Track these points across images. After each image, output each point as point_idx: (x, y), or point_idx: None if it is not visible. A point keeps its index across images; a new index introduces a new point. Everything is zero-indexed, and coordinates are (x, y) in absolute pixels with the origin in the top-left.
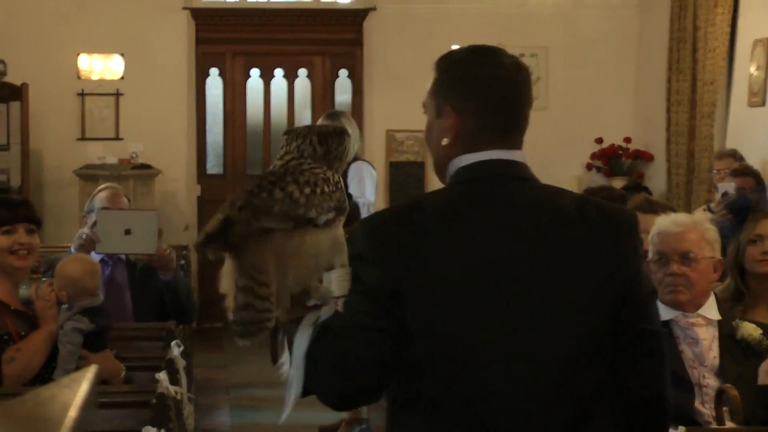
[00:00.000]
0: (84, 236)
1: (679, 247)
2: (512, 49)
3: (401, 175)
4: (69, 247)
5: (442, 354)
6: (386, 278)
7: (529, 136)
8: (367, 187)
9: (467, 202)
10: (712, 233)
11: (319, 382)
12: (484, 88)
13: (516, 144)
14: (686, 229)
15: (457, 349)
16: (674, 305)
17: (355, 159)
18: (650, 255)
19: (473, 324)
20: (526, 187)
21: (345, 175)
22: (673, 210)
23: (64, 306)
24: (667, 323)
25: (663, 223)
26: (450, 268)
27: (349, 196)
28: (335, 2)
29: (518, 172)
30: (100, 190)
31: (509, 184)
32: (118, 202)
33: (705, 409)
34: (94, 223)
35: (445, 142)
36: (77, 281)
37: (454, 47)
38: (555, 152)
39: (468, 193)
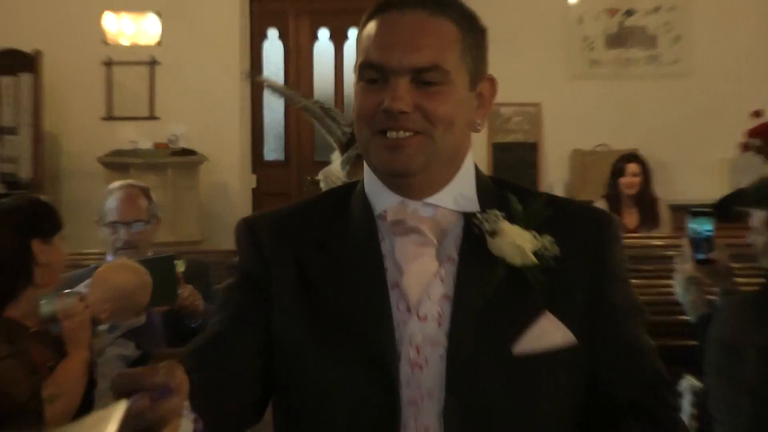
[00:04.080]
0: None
1: None
2: (647, 1)
3: (509, 159)
4: (99, 254)
5: None
6: None
7: (670, 110)
8: None
9: None
10: None
11: None
12: None
13: None
14: None
15: None
16: None
17: None
18: None
19: None
20: None
21: None
22: None
23: (103, 327)
24: None
25: None
26: None
27: None
28: None
29: None
30: (112, 191)
31: None
32: (136, 206)
33: None
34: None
35: None
36: (129, 295)
37: (572, 1)
38: (701, 129)
39: None
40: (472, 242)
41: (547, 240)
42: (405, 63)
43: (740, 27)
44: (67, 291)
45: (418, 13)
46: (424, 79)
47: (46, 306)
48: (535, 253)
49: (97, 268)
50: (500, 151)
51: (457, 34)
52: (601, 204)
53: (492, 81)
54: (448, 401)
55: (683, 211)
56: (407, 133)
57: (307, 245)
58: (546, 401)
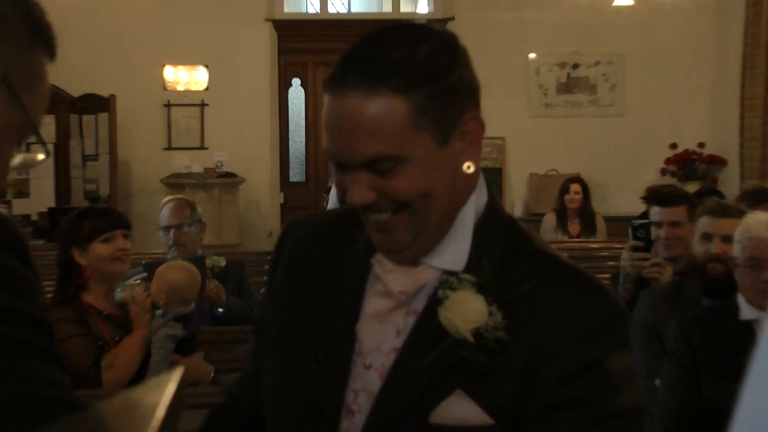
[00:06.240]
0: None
1: None
2: (589, 57)
3: None
4: (160, 254)
5: None
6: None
7: (606, 143)
8: None
9: None
10: None
11: None
12: None
13: None
14: None
15: None
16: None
17: None
18: (739, 259)
19: None
20: None
21: None
22: (744, 213)
23: (158, 312)
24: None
25: (756, 228)
26: None
27: None
28: (414, 12)
29: None
30: (165, 203)
31: None
32: (182, 213)
33: None
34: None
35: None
36: (180, 290)
37: (531, 56)
38: (631, 158)
39: None
40: (437, 302)
41: (497, 320)
42: (351, 159)
43: (663, 78)
44: (137, 282)
45: (355, 96)
46: (375, 168)
47: (120, 294)
48: (478, 332)
49: (152, 265)
50: None
51: (402, 104)
52: (551, 216)
53: (476, 118)
54: None
55: (616, 222)
56: (388, 214)
57: (312, 266)
58: None
